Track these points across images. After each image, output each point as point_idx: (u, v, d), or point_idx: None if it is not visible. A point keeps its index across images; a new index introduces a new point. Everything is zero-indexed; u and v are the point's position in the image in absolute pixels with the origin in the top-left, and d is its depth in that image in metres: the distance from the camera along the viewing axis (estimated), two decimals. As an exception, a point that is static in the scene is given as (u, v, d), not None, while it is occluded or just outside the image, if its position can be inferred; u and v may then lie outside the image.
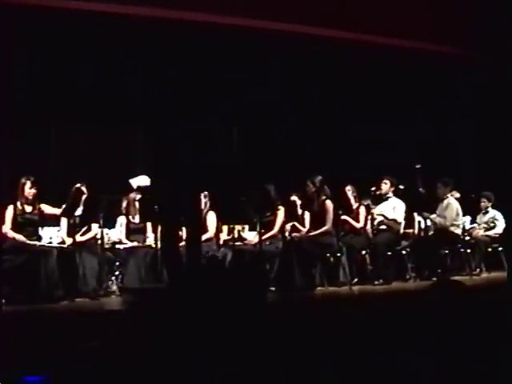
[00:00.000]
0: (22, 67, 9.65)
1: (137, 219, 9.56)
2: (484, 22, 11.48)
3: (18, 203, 8.79)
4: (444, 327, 4.45)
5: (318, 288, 9.43)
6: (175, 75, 10.00)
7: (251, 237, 9.74)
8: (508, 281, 8.75)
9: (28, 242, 8.65)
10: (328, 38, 11.38)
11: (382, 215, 10.42)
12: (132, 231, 9.66)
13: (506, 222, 11.17)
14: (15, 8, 8.96)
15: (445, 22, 11.86)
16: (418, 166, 10.16)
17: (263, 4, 10.80)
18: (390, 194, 10.46)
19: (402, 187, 10.46)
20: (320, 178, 9.96)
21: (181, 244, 7.29)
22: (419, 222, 10.58)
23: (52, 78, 10.35)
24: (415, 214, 10.66)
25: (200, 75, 10.55)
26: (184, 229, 7.35)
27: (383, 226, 10.38)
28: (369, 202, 10.51)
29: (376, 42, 11.67)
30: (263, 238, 9.14)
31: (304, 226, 10.00)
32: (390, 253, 10.10)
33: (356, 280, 9.89)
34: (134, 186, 8.58)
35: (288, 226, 9.98)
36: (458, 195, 10.77)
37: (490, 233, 11.13)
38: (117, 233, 9.70)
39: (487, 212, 11.32)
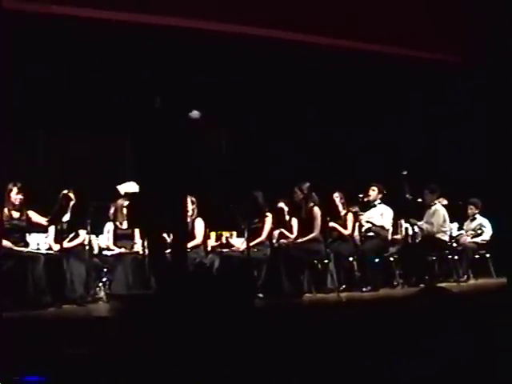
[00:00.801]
0: (9, 72, 9.63)
1: (124, 225, 9.54)
2: (474, 30, 11.54)
3: (6, 209, 8.76)
4: (431, 334, 4.46)
5: (306, 295, 9.43)
6: (162, 80, 10.02)
7: (239, 243, 9.74)
8: (508, 286, 8.75)
9: (15, 248, 8.62)
10: (317, 45, 11.42)
11: (370, 222, 10.43)
12: (119, 237, 9.64)
13: (493, 229, 11.22)
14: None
15: (435, 29, 11.91)
16: (404, 173, 10.20)
17: (254, 11, 10.82)
18: (378, 201, 10.48)
19: (385, 192, 10.49)
20: (308, 184, 9.98)
21: (168, 250, 7.30)
22: (406, 228, 10.61)
23: (40, 83, 10.33)
24: (402, 221, 10.69)
25: (188, 80, 10.57)
26: (171, 235, 7.36)
27: (371, 233, 10.39)
28: (357, 208, 10.52)
29: (364, 49, 11.71)
30: (251, 244, 9.14)
31: (292, 233, 10.00)
32: (377, 259, 10.11)
33: (344, 287, 9.88)
34: (122, 193, 8.56)
35: (276, 233, 9.99)
36: (445, 202, 10.78)
37: (478, 239, 11.15)
38: (104, 239, 9.68)
39: (474, 219, 11.35)
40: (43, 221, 9.03)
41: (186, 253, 7.34)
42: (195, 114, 7.21)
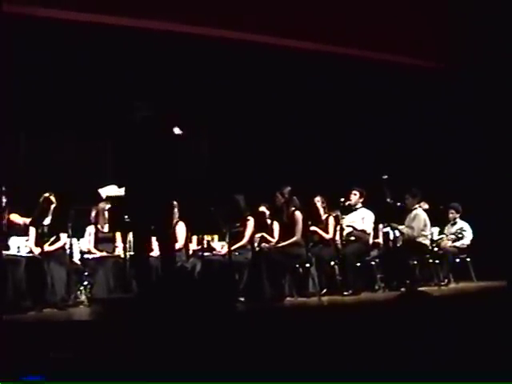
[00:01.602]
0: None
1: (106, 229, 9.52)
2: (458, 35, 11.63)
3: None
4: (412, 337, 4.48)
5: (287, 298, 9.43)
6: (145, 86, 10.03)
7: (220, 247, 9.74)
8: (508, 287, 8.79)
9: (-5, 251, 8.58)
10: (300, 50, 11.46)
11: (351, 226, 10.45)
12: (101, 241, 9.62)
13: (473, 233, 11.27)
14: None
15: (418, 35, 11.98)
16: (385, 177, 10.24)
17: (237, 17, 10.86)
18: (359, 205, 10.51)
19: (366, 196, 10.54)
20: (289, 188, 10.01)
21: (151, 254, 7.32)
22: (387, 232, 10.64)
23: (21, 86, 10.29)
24: (380, 225, 10.74)
25: (171, 86, 10.60)
26: (154, 239, 7.37)
27: (352, 237, 10.41)
28: (338, 212, 10.53)
29: (346, 54, 11.77)
30: (232, 248, 9.14)
31: (273, 237, 10.01)
32: (358, 263, 10.13)
33: (325, 291, 9.89)
34: (103, 196, 8.54)
35: (257, 237, 9.99)
36: (426, 206, 10.81)
37: (458, 244, 11.18)
38: (86, 243, 9.65)
39: (455, 223, 11.39)
40: (24, 220, 9.00)
41: (174, 256, 7.40)
42: (177, 130, 7.27)
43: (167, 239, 7.33)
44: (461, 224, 11.34)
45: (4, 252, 8.65)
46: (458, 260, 11.06)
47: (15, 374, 3.85)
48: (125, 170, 7.27)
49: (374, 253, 10.48)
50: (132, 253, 7.88)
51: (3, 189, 8.77)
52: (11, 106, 9.37)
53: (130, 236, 8.55)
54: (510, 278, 9.06)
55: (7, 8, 8.15)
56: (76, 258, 9.44)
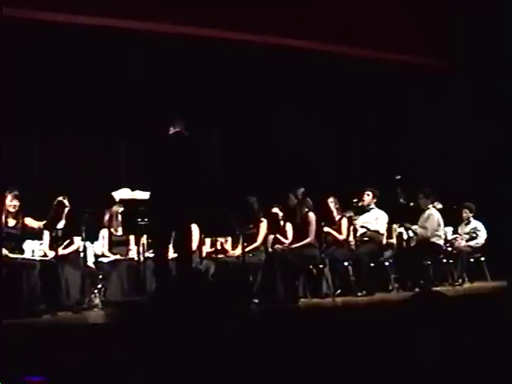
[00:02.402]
0: (4, 80, 9.62)
1: (119, 232, 9.53)
2: (457, 34, 11.61)
3: (2, 216, 8.75)
4: (427, 338, 4.46)
5: (301, 300, 9.42)
6: (157, 90, 10.05)
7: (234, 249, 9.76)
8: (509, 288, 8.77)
9: (10, 255, 8.60)
10: (311, 51, 11.44)
11: (365, 227, 10.44)
12: (114, 244, 9.63)
13: (487, 232, 11.23)
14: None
15: (422, 34, 11.96)
16: (398, 177, 10.22)
17: (244, 17, 10.86)
18: (373, 206, 10.49)
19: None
20: (302, 190, 10.00)
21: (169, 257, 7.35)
22: (401, 232, 10.61)
23: (34, 90, 10.33)
24: (396, 225, 10.71)
25: (181, 89, 10.60)
26: (172, 243, 7.41)
27: (366, 238, 10.39)
28: (351, 213, 10.53)
29: (358, 55, 11.75)
30: (246, 250, 9.14)
31: (287, 238, 9.99)
32: (372, 264, 10.11)
33: (339, 291, 9.89)
34: (117, 199, 8.55)
35: (271, 238, 9.98)
36: (440, 206, 10.78)
37: (472, 243, 11.16)
38: (99, 246, 9.66)
39: (469, 222, 11.37)
40: (39, 224, 9.02)
41: (190, 259, 7.42)
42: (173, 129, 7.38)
43: (186, 243, 7.35)
44: (475, 223, 11.31)
45: (18, 256, 8.69)
46: (472, 260, 11.03)
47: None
48: (151, 175, 7.33)
49: (388, 253, 10.47)
50: (148, 255, 7.90)
51: (16, 193, 8.81)
52: (12, 107, 9.40)
53: (144, 239, 8.58)
54: (510, 279, 9.07)
55: (7, 11, 8.18)
56: (90, 261, 9.44)
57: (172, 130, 7.41)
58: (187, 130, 7.43)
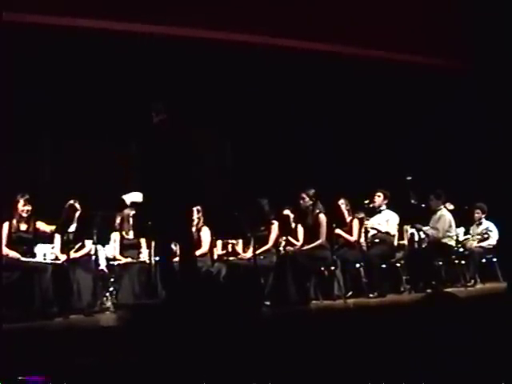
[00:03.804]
0: (16, 84, 9.65)
1: (130, 235, 9.56)
2: (475, 34, 11.55)
3: (14, 220, 8.79)
4: (439, 339, 4.45)
5: (313, 302, 9.43)
6: (168, 91, 10.06)
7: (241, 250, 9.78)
8: (508, 290, 8.74)
9: (22, 258, 8.63)
10: (320, 52, 11.43)
11: (376, 228, 10.43)
12: (126, 247, 9.66)
13: (499, 233, 11.19)
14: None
15: (436, 34, 11.92)
16: (409, 178, 10.20)
17: (251, 19, 10.85)
18: (384, 207, 10.48)
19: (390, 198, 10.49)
20: (313, 190, 9.97)
21: (175, 259, 7.33)
22: (412, 234, 10.59)
23: (45, 94, 10.37)
24: (407, 227, 10.69)
25: (192, 90, 10.61)
26: (177, 244, 7.38)
27: (377, 239, 10.38)
28: (362, 215, 10.51)
29: (368, 56, 11.72)
30: (257, 252, 9.15)
31: (298, 240, 10.00)
32: (384, 265, 10.10)
33: (350, 293, 9.89)
34: (128, 202, 8.56)
35: (282, 240, 9.98)
36: (451, 207, 10.76)
37: (484, 244, 11.12)
38: (111, 249, 9.69)
39: (481, 223, 11.33)
40: (51, 228, 9.06)
41: (195, 261, 7.37)
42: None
43: (189, 244, 7.32)
44: (486, 224, 11.27)
45: (30, 259, 8.73)
46: (484, 260, 10.99)
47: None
48: (145, 174, 7.24)
49: (399, 254, 10.44)
50: (157, 258, 7.91)
51: (28, 197, 8.84)
52: (12, 111, 9.43)
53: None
54: (510, 279, 9.03)
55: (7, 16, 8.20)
56: (102, 264, 9.47)
57: (156, 118, 7.32)
58: (176, 116, 7.29)
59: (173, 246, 7.61)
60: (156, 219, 7.09)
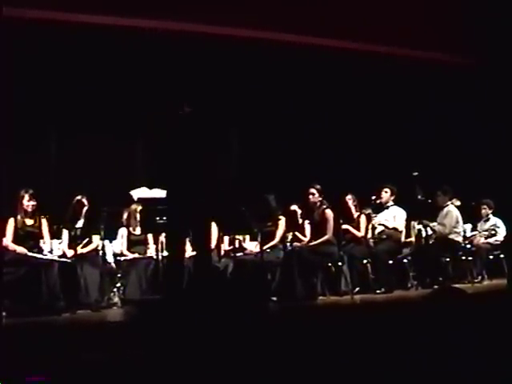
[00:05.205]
0: (22, 80, 9.66)
1: (138, 231, 9.56)
2: (483, 29, 11.51)
3: (19, 216, 8.80)
4: (446, 335, 4.45)
5: (320, 297, 9.43)
6: (175, 87, 10.04)
7: (252, 247, 9.74)
8: (509, 287, 8.73)
9: (29, 254, 8.64)
10: (326, 48, 11.41)
11: (383, 224, 10.42)
12: (133, 243, 9.67)
13: (506, 229, 11.17)
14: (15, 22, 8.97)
15: (442, 29, 11.89)
16: (415, 174, 10.17)
17: (257, 15, 10.84)
18: (391, 203, 10.47)
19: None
20: (318, 186, 9.94)
21: (186, 255, 7.33)
22: (419, 230, 10.57)
23: (52, 90, 10.38)
24: (414, 223, 10.66)
25: (199, 86, 10.59)
26: (190, 241, 7.38)
27: (384, 235, 10.38)
28: (369, 210, 10.52)
29: (373, 51, 11.70)
30: (264, 247, 9.14)
31: (305, 236, 10.00)
32: (391, 261, 10.09)
33: (357, 289, 9.88)
34: (135, 198, 8.57)
35: (289, 236, 9.97)
36: (458, 203, 10.75)
37: (491, 240, 11.11)
38: (118, 245, 9.70)
39: (488, 219, 11.32)
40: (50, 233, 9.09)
41: (210, 258, 7.38)
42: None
43: (204, 240, 7.30)
44: (494, 220, 11.26)
45: (37, 255, 8.73)
46: (491, 257, 10.97)
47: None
48: (163, 169, 7.21)
49: (407, 250, 10.43)
50: (166, 254, 7.88)
51: (32, 192, 8.85)
52: (12, 106, 9.44)
53: (162, 237, 8.58)
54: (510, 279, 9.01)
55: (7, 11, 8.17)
56: (109, 259, 9.48)
57: (182, 112, 7.22)
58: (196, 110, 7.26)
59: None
60: (173, 214, 7.05)
